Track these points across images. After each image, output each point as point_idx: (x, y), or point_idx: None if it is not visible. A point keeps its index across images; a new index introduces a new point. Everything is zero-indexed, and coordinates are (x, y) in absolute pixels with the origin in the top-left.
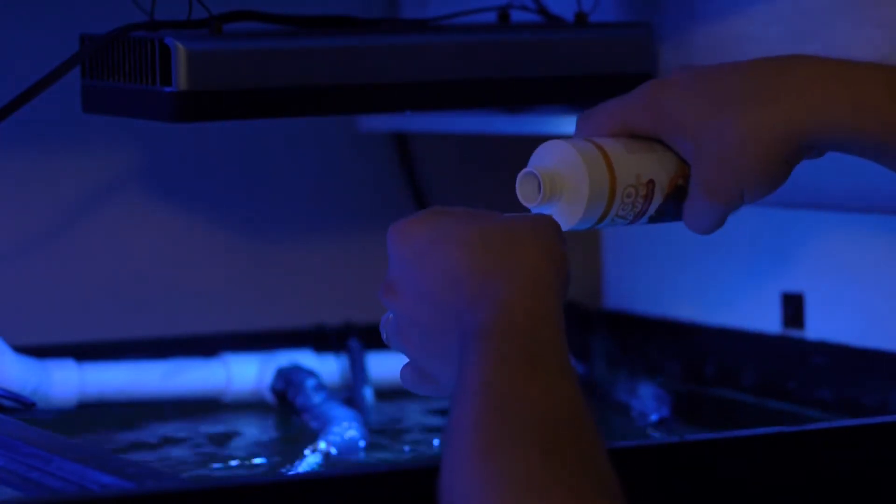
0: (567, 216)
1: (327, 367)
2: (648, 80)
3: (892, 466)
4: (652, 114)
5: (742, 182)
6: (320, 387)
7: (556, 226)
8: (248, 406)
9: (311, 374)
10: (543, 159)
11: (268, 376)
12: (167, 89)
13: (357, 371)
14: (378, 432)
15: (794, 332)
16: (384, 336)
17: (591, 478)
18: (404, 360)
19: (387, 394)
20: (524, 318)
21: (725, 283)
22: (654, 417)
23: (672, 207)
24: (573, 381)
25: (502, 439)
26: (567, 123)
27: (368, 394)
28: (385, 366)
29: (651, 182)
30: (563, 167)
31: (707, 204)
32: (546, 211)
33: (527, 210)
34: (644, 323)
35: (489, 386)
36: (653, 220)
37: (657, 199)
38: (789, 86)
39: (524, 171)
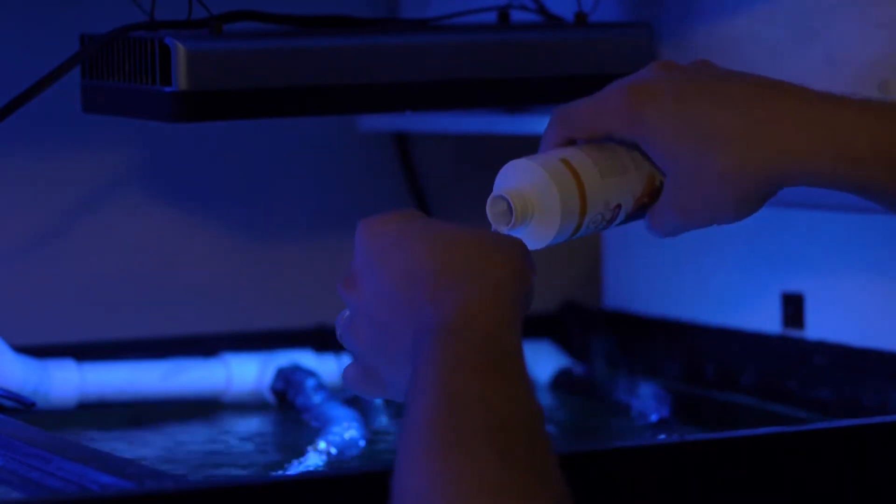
0: (536, 239)
1: (327, 367)
2: (622, 78)
3: (892, 466)
4: (630, 122)
5: (713, 210)
6: (320, 387)
7: (523, 244)
8: (248, 406)
9: (311, 374)
10: (513, 181)
11: (268, 376)
12: (167, 89)
13: None
14: (384, 433)
15: (794, 332)
16: (338, 332)
17: (544, 484)
18: None
19: None
20: (485, 322)
21: (725, 283)
22: (654, 417)
23: (633, 219)
24: (530, 389)
25: (457, 439)
26: None
27: None
28: None
29: (619, 206)
30: (535, 192)
31: (676, 221)
32: (515, 234)
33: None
34: (644, 323)
35: (445, 385)
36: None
37: (620, 218)
38: (773, 129)
39: (494, 194)
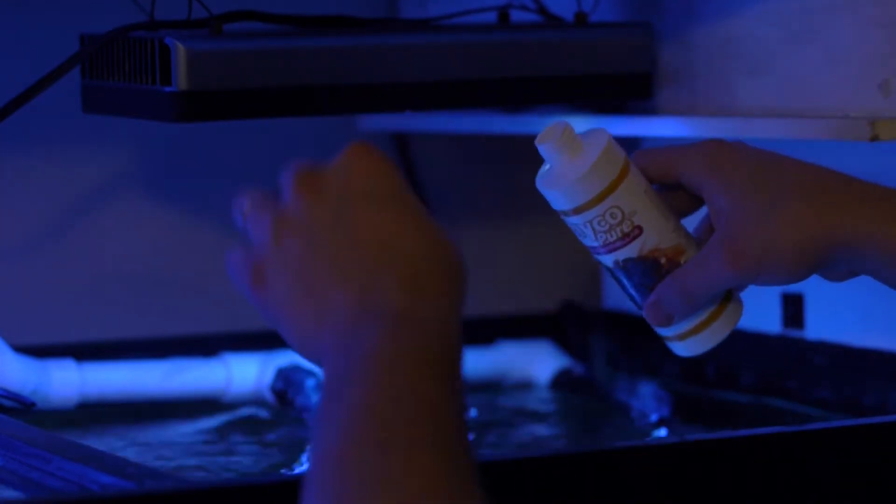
0: (557, 177)
1: None
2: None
3: (892, 466)
4: (706, 161)
5: (763, 259)
6: (320, 387)
7: (456, 248)
8: (248, 406)
9: (311, 374)
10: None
11: (268, 376)
12: (167, 89)
13: None
14: None
15: (794, 332)
16: (231, 270)
17: (474, 474)
18: None
19: None
20: (427, 320)
21: None
22: (654, 417)
23: (639, 271)
24: (462, 387)
25: (392, 431)
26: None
27: None
28: None
29: (639, 229)
30: (589, 140)
31: (721, 264)
32: (547, 158)
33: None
34: (644, 323)
35: (381, 380)
36: (617, 266)
37: (632, 250)
38: (844, 202)
39: (559, 120)
